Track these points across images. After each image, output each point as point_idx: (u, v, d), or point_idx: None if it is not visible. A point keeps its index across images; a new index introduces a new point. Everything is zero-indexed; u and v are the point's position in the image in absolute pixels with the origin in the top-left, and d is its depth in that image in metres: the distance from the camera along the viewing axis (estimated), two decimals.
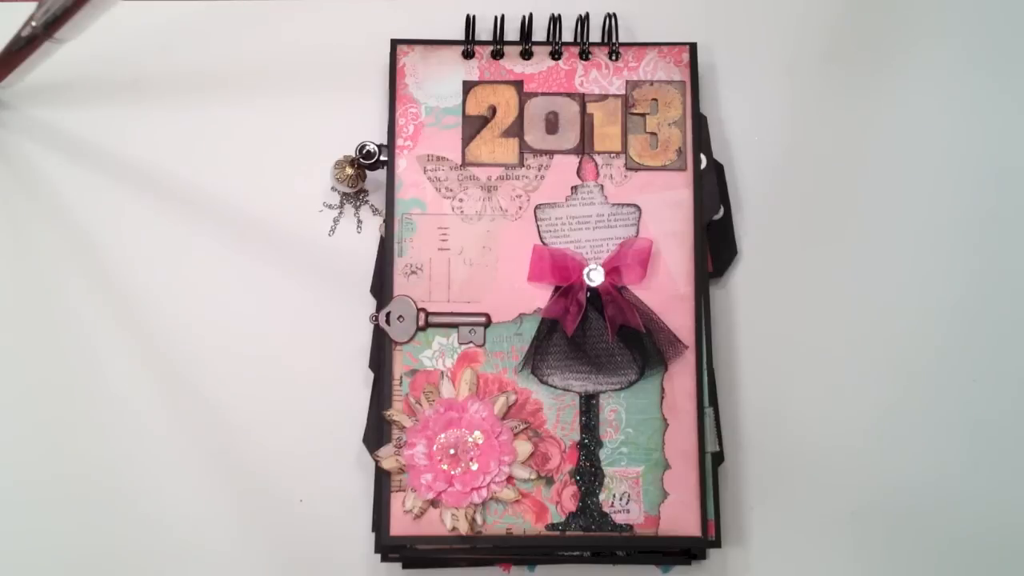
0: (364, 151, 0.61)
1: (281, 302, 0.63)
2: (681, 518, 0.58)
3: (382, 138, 0.62)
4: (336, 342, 0.62)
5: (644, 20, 0.66)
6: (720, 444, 0.59)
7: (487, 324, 0.59)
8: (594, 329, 0.59)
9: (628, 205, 0.61)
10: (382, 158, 0.61)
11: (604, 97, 0.62)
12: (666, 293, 0.60)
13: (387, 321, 0.59)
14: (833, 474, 0.61)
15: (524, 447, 0.58)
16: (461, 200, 0.61)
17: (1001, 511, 0.61)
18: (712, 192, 0.62)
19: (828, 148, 0.65)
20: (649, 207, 0.61)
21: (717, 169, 0.63)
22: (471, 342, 0.59)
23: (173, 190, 0.64)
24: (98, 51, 0.65)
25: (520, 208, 0.61)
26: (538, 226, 0.61)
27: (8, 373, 0.62)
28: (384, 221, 0.61)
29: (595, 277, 0.59)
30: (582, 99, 0.62)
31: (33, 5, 0.56)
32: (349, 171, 0.62)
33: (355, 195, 0.64)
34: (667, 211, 0.61)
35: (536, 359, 0.59)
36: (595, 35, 0.63)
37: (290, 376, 0.62)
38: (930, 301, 0.63)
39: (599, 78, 0.62)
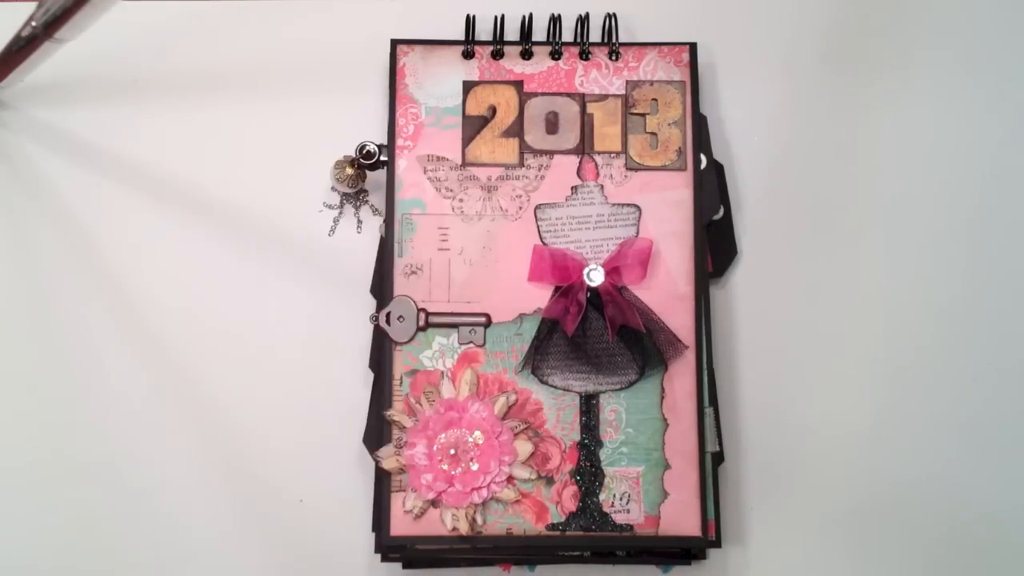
0: (364, 151, 0.61)
1: (281, 302, 0.63)
2: (681, 518, 0.58)
3: (382, 138, 0.62)
4: (336, 342, 0.62)
5: (644, 20, 0.66)
6: (720, 444, 0.59)
7: (487, 324, 0.59)
8: (594, 329, 0.59)
9: (628, 205, 0.61)
10: (382, 158, 0.61)
11: (604, 97, 0.62)
12: (666, 293, 0.60)
13: (387, 321, 0.59)
14: (833, 474, 0.61)
15: (524, 447, 0.58)
16: (461, 200, 0.61)
17: (1001, 510, 0.61)
18: (712, 192, 0.62)
19: (828, 148, 0.65)
20: (649, 207, 0.61)
21: (717, 169, 0.63)
22: (471, 342, 0.59)
23: (173, 190, 0.64)
24: (98, 51, 0.65)
25: (520, 208, 0.61)
26: (538, 226, 0.61)
27: (9, 373, 0.62)
28: (384, 221, 0.61)
29: (595, 277, 0.59)
30: (582, 99, 0.62)
31: (33, 5, 0.56)
32: (349, 171, 0.62)
33: (355, 195, 0.64)
34: (667, 211, 0.61)
35: (536, 359, 0.59)
36: (595, 35, 0.63)
37: (290, 376, 0.62)
38: (930, 300, 0.63)
39: (599, 78, 0.62)
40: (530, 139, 0.62)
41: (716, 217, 0.62)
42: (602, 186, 0.61)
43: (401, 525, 0.57)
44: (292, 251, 0.64)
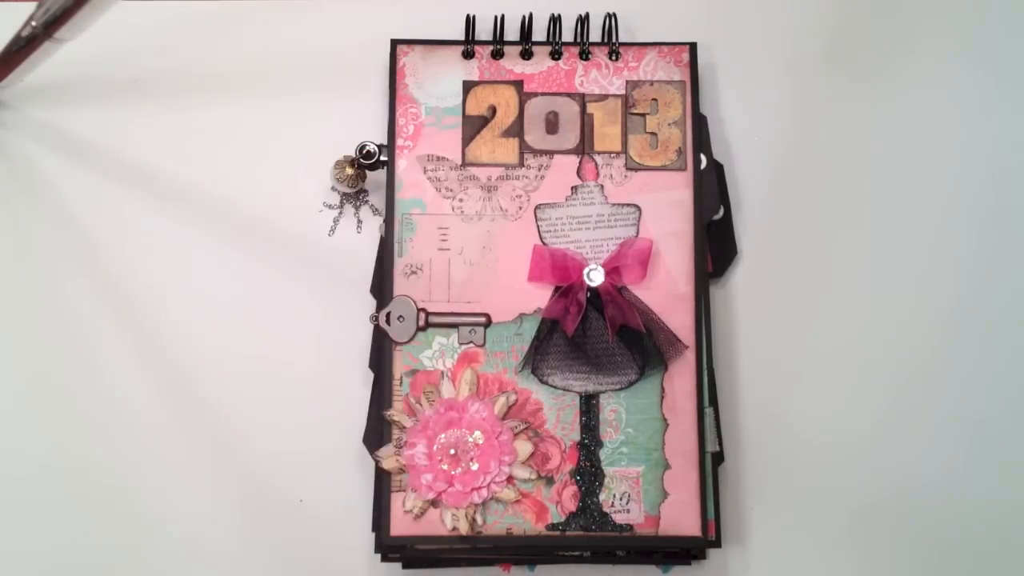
0: (364, 151, 0.61)
1: (281, 302, 0.63)
2: (681, 518, 0.58)
3: (382, 138, 0.62)
4: (336, 342, 0.62)
5: (644, 20, 0.66)
6: (720, 444, 0.59)
7: (487, 324, 0.59)
8: (594, 329, 0.59)
9: (628, 205, 0.61)
10: (382, 158, 0.61)
11: (604, 97, 0.62)
12: (666, 293, 0.60)
13: (387, 321, 0.59)
14: (833, 474, 0.61)
15: (524, 447, 0.58)
16: (461, 200, 0.61)
17: (1001, 510, 0.61)
18: (712, 192, 0.62)
19: (828, 148, 0.65)
20: (649, 207, 0.61)
21: (717, 169, 0.63)
22: (471, 342, 0.59)
23: (173, 190, 0.64)
24: (98, 51, 0.65)
25: (520, 208, 0.61)
26: (538, 226, 0.61)
27: (8, 373, 0.62)
28: (384, 221, 0.61)
29: (595, 277, 0.59)
30: (582, 99, 0.62)
31: (33, 5, 0.56)
32: (349, 171, 0.62)
33: (355, 195, 0.64)
34: (667, 211, 0.61)
35: (536, 359, 0.59)
36: (595, 35, 0.63)
37: (290, 376, 0.62)
38: (930, 301, 0.63)
39: (599, 78, 0.62)
40: (530, 139, 0.62)
41: (716, 217, 0.62)
42: (602, 186, 0.61)
43: (401, 525, 0.57)
44: (292, 251, 0.64)
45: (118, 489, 0.61)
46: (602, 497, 0.58)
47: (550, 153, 0.61)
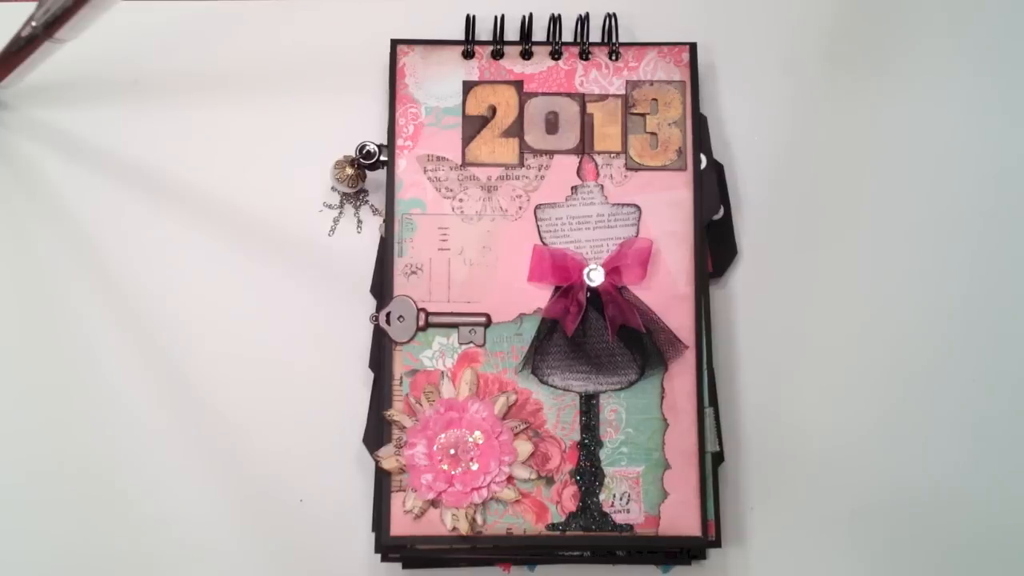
0: (364, 151, 0.61)
1: (281, 302, 0.63)
2: (681, 518, 0.58)
3: (382, 138, 0.62)
4: (336, 342, 0.62)
5: (644, 20, 0.66)
6: (720, 444, 0.59)
7: (487, 324, 0.59)
8: (594, 329, 0.59)
9: (628, 205, 0.61)
10: (382, 158, 0.61)
11: (604, 97, 0.62)
12: (666, 293, 0.60)
13: (387, 321, 0.59)
14: (833, 474, 0.61)
15: (524, 447, 0.58)
16: (461, 200, 0.61)
17: (1001, 510, 0.61)
18: (712, 192, 0.62)
19: (828, 148, 0.65)
20: (649, 207, 0.61)
21: (717, 169, 0.63)
22: (471, 342, 0.59)
23: (173, 190, 0.64)
24: (98, 51, 0.65)
25: (520, 208, 0.61)
26: (538, 226, 0.61)
27: (8, 373, 0.62)
28: (384, 221, 0.61)
29: (595, 277, 0.59)
30: (582, 99, 0.62)
31: (33, 5, 0.56)
32: (349, 171, 0.62)
33: (355, 195, 0.64)
34: (667, 211, 0.61)
35: (536, 359, 0.59)
36: (595, 35, 0.63)
37: (290, 376, 0.62)
38: (930, 301, 0.63)
39: (599, 78, 0.62)
40: (530, 139, 0.62)
41: (716, 217, 0.62)
42: (602, 186, 0.61)
43: (401, 525, 0.57)
44: (292, 251, 0.64)
45: (118, 489, 0.61)
46: (602, 497, 0.58)
47: (550, 153, 0.61)
